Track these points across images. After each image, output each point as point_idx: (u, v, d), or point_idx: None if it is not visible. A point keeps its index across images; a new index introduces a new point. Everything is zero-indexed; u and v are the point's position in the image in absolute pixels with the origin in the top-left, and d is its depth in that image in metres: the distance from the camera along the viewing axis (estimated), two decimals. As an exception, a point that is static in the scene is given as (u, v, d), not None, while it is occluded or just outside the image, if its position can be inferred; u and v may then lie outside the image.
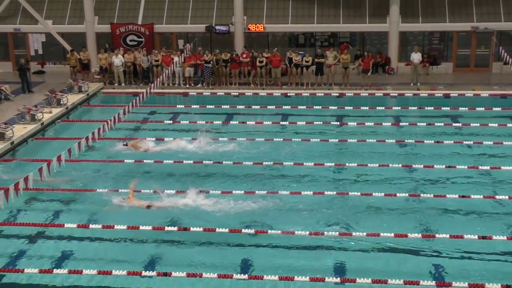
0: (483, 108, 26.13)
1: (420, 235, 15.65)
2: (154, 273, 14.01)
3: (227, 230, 15.71)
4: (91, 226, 16.28)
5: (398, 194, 17.85)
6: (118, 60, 30.97)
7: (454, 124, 24.83)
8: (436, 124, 24.52)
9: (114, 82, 31.48)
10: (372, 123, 24.71)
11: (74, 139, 20.70)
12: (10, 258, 14.92)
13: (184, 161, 20.62)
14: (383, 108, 27.04)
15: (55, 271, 14.15)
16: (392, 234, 15.39)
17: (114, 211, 17.05)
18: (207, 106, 27.62)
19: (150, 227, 15.87)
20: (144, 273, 14.02)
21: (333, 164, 20.36)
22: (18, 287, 13.75)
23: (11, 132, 22.75)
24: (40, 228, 16.34)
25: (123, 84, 31.32)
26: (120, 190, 18.24)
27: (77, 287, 13.73)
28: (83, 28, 34.14)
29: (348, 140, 22.85)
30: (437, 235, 15.60)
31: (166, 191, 17.98)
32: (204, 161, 20.68)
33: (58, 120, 26.02)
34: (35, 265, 14.34)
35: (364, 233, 15.51)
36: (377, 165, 20.18)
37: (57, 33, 34.42)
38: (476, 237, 15.21)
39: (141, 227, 15.85)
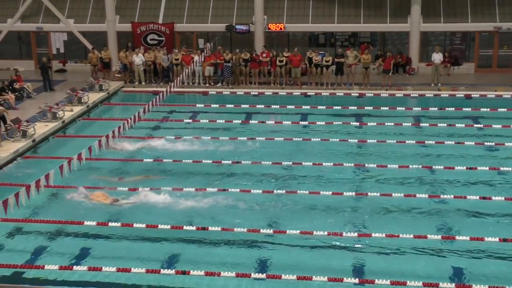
0: (505, 109, 25.89)
1: (440, 237, 15.54)
2: (172, 271, 14.06)
3: (245, 230, 15.71)
4: (110, 224, 16.36)
5: (418, 195, 17.73)
6: (138, 59, 31.12)
7: (475, 125, 24.62)
8: (457, 125, 24.31)
9: (135, 81, 31.65)
10: (392, 124, 24.57)
11: (94, 137, 20.87)
12: (31, 254, 15.04)
13: (203, 161, 20.67)
14: (404, 108, 26.86)
15: (74, 267, 14.24)
16: (412, 236, 15.29)
17: (131, 206, 17.15)
18: (227, 105, 27.65)
19: (169, 226, 15.93)
20: (163, 271, 14.07)
21: (353, 164, 20.29)
22: (38, 283, 13.84)
23: (33, 129, 22.94)
24: (60, 225, 16.43)
25: (143, 83, 31.46)
26: (140, 189, 18.35)
27: (97, 283, 13.81)
28: (104, 27, 34.36)
29: (368, 140, 22.75)
30: (457, 237, 15.48)
31: (185, 189, 18.07)
32: (223, 161, 20.70)
33: (79, 118, 26.22)
34: (55, 262, 14.42)
35: (383, 234, 15.41)
36: (397, 166, 20.08)
37: (79, 32, 34.70)
38: (497, 239, 15.04)
39: (159, 226, 15.92)
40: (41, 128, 23.59)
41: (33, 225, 16.47)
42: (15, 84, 28.47)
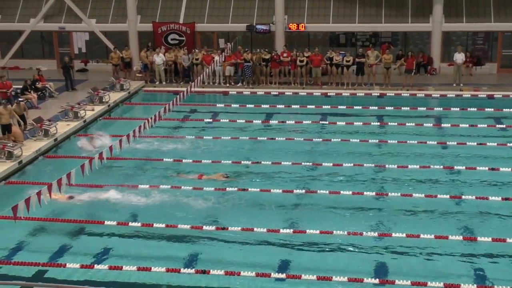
0: (528, 110, 25.66)
1: (461, 237, 15.44)
2: (192, 271, 14.10)
3: (265, 230, 15.71)
4: (130, 224, 16.44)
5: (439, 196, 17.62)
6: (159, 58, 31.25)
7: (497, 126, 24.39)
8: (479, 125, 24.13)
9: (155, 81, 31.78)
10: (413, 124, 24.42)
11: (115, 137, 20.98)
12: (53, 253, 15.15)
13: (223, 161, 20.72)
14: (425, 108, 26.70)
15: (96, 266, 14.33)
16: (433, 236, 15.22)
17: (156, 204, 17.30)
18: (247, 105, 27.66)
19: (188, 226, 15.98)
20: (183, 270, 14.11)
21: (373, 164, 20.19)
22: (60, 282, 13.94)
23: (55, 129, 23.14)
24: (81, 224, 16.55)
25: (164, 83, 31.59)
26: (161, 187, 18.43)
27: (117, 283, 13.90)
28: (125, 26, 34.55)
29: (389, 141, 22.64)
30: (479, 238, 15.36)
31: (205, 188, 18.11)
32: (242, 161, 20.71)
33: (100, 118, 26.38)
34: (76, 261, 14.54)
35: (404, 234, 15.34)
36: (418, 166, 19.96)
37: (100, 31, 34.92)
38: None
39: (179, 226, 15.98)
40: (63, 127, 23.78)
41: (55, 224, 16.60)
42: (37, 83, 28.72)
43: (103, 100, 27.50)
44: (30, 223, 16.22)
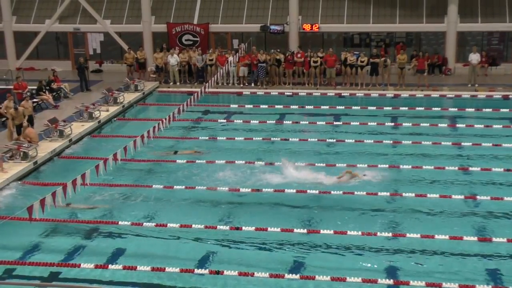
0: (544, 110, 25.48)
1: (476, 238, 15.36)
2: (206, 271, 14.11)
3: (279, 229, 15.71)
4: (144, 224, 16.50)
5: (453, 196, 17.54)
6: (173, 59, 31.32)
7: (513, 126, 24.27)
8: (494, 126, 23.99)
9: (169, 81, 31.87)
10: (428, 125, 24.31)
11: (130, 137, 21.06)
12: (67, 253, 15.23)
13: (236, 161, 20.73)
14: (439, 109, 26.58)
15: (110, 266, 14.39)
16: (447, 237, 15.17)
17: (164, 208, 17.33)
18: (261, 106, 27.66)
19: (202, 226, 16.01)
20: (196, 271, 14.13)
21: (387, 165, 20.12)
22: (73, 281, 14.01)
23: (70, 129, 23.27)
24: (95, 225, 16.63)
25: (178, 83, 31.66)
26: (175, 187, 18.49)
27: (131, 284, 13.94)
28: (140, 27, 34.68)
29: (403, 141, 22.55)
30: (494, 239, 15.27)
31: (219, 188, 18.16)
32: (256, 162, 20.72)
33: (115, 118, 26.49)
34: (91, 261, 14.61)
35: (418, 235, 15.29)
36: (432, 167, 19.87)
37: (115, 32, 35.07)
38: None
39: (193, 226, 16.01)
40: (77, 128, 23.91)
41: (69, 224, 16.69)
42: (52, 84, 28.89)
43: (118, 100, 27.61)
44: (44, 223, 16.30)
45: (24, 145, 20.68)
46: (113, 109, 26.90)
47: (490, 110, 25.88)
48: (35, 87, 27.63)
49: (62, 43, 36.63)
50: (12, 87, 27.22)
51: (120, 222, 16.46)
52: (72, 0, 34.98)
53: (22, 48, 36.12)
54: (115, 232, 16.26)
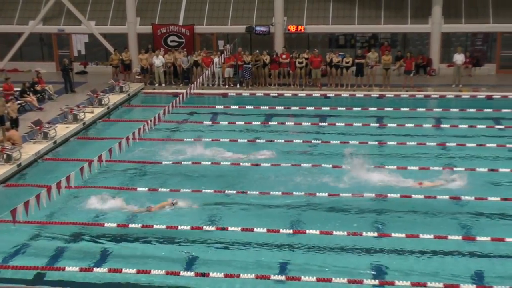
0: (527, 110, 25.69)
1: (460, 237, 15.46)
2: (192, 273, 14.08)
3: (265, 230, 15.71)
4: (130, 225, 16.43)
5: (438, 197, 17.63)
6: (158, 60, 31.25)
7: (496, 126, 24.40)
8: (478, 126, 24.15)
9: (155, 83, 31.79)
10: (413, 125, 24.43)
11: (115, 139, 20.96)
12: (51, 256, 15.13)
13: (222, 163, 20.71)
14: (424, 109, 26.72)
15: (95, 269, 14.32)
16: (432, 236, 15.27)
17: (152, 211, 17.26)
18: (246, 107, 27.66)
19: (188, 227, 15.97)
20: (182, 273, 14.09)
21: (372, 166, 20.16)
22: (57, 284, 13.94)
23: (54, 131, 23.14)
24: (80, 227, 16.52)
25: (163, 85, 31.59)
26: (160, 189, 18.43)
27: (115, 285, 13.88)
28: (125, 29, 34.57)
29: (388, 142, 22.63)
30: (477, 238, 15.39)
31: (204, 190, 18.09)
32: (241, 163, 20.70)
33: (100, 120, 26.38)
34: (75, 264, 14.53)
35: (403, 234, 15.35)
36: (417, 167, 19.94)
37: (100, 33, 34.93)
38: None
39: (179, 227, 15.97)
40: (62, 130, 23.78)
41: (54, 227, 16.58)
42: (36, 86, 28.74)
43: (103, 102, 27.50)
44: (29, 226, 16.18)
45: (7, 148, 20.54)
46: (98, 110, 26.78)
47: (474, 110, 26.05)
48: (19, 89, 27.46)
49: (46, 44, 36.43)
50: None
51: (105, 224, 16.39)
52: (56, 1, 34.81)
53: (5, 49, 35.85)
54: (101, 234, 16.17)
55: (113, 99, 28.47)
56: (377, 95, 29.24)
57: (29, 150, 21.52)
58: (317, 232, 15.72)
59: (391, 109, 26.67)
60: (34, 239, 16.08)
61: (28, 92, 27.58)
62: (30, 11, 35.72)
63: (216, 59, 30.58)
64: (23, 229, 15.97)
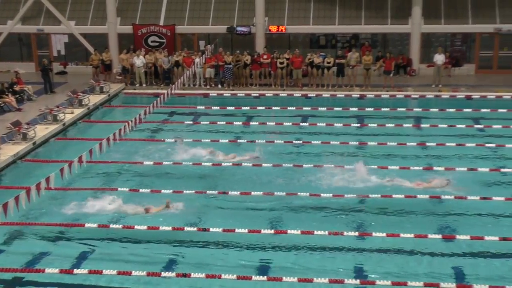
0: (506, 110, 25.91)
1: (440, 236, 15.57)
2: (173, 274, 14.04)
3: (246, 230, 15.72)
4: (111, 226, 16.34)
5: (418, 196, 17.74)
6: (139, 61, 31.13)
7: (476, 126, 24.61)
8: (457, 125, 24.34)
9: (136, 83, 31.66)
10: (393, 125, 24.57)
11: (95, 140, 20.86)
12: (31, 258, 14.99)
13: (203, 163, 20.68)
14: (404, 109, 26.89)
15: (75, 271, 14.22)
16: (412, 235, 15.35)
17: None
18: (228, 107, 27.65)
19: (170, 228, 15.93)
20: (163, 274, 14.05)
21: (353, 166, 20.23)
22: (37, 286, 13.85)
23: (33, 132, 22.95)
24: (61, 228, 16.40)
25: (144, 85, 31.47)
26: (141, 190, 18.35)
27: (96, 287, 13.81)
28: (105, 29, 34.39)
29: (368, 142, 22.74)
30: (457, 236, 15.51)
31: (185, 191, 18.04)
32: (223, 164, 20.67)
33: (80, 121, 26.22)
34: (55, 265, 14.41)
35: (384, 234, 15.43)
36: (398, 167, 20.06)
37: (80, 33, 34.71)
38: (497, 238, 15.18)
39: (160, 228, 15.92)
40: (42, 131, 23.59)
41: (34, 228, 16.45)
42: (15, 86, 28.50)
43: (83, 103, 27.33)
44: (7, 227, 16.06)
45: (-14, 149, 20.37)
46: (78, 111, 26.62)
47: (454, 110, 26.27)
48: (-3, 90, 27.26)
49: (25, 44, 36.15)
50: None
51: (86, 225, 16.30)
52: (35, 0, 34.54)
53: (-16, 49, 35.60)
54: (81, 235, 16.07)
55: (94, 99, 28.31)
56: (358, 95, 29.36)
57: (8, 151, 21.32)
58: (299, 232, 15.75)
59: (372, 109, 26.77)
60: (13, 240, 15.95)
61: (6, 93, 27.31)
62: (9, 11, 35.40)
63: (197, 60, 30.54)
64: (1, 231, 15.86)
